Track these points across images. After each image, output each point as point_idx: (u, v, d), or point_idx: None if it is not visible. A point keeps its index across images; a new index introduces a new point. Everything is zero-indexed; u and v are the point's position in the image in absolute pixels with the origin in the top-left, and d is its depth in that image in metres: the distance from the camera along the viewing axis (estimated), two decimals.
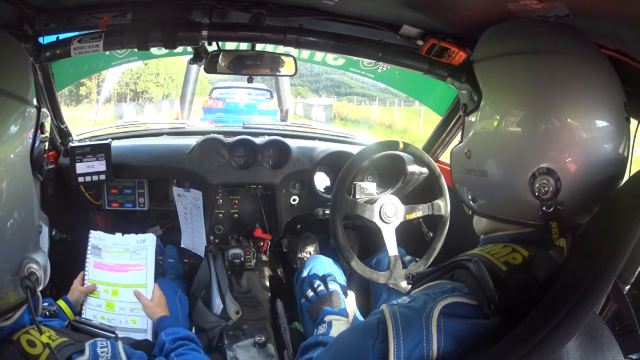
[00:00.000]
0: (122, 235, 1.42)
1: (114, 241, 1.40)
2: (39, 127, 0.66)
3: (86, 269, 1.32)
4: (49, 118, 0.70)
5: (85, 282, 1.29)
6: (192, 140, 1.68)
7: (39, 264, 0.64)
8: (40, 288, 0.65)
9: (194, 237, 1.64)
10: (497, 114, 0.68)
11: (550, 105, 0.64)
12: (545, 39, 0.69)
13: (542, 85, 0.65)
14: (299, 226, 1.89)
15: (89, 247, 1.36)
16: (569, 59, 0.66)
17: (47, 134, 0.69)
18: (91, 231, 1.41)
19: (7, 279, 0.60)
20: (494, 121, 0.68)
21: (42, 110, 0.67)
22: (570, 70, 0.65)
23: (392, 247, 1.34)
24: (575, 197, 0.64)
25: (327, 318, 1.15)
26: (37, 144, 0.65)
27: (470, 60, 0.75)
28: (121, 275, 1.33)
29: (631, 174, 0.64)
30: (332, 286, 1.29)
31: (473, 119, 0.73)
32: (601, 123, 0.64)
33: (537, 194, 0.64)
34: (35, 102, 0.66)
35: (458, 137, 0.80)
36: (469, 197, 0.75)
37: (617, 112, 0.65)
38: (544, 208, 0.64)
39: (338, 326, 1.11)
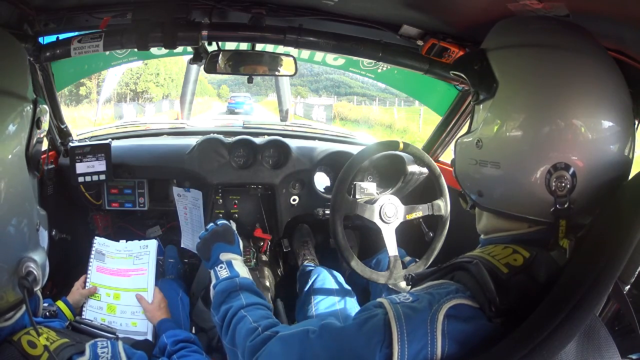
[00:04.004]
0: (126, 242, 1.43)
1: (117, 248, 1.40)
2: (35, 123, 0.65)
3: (89, 272, 1.32)
4: (47, 115, 0.70)
5: (87, 284, 1.29)
6: (192, 140, 1.69)
7: (37, 263, 0.64)
8: (39, 287, 0.65)
9: (194, 237, 1.64)
10: (514, 105, 0.66)
11: (572, 100, 0.63)
12: (566, 36, 0.68)
13: (564, 80, 0.64)
14: (298, 226, 1.90)
15: (92, 252, 1.36)
16: (592, 58, 0.65)
17: (44, 126, 0.67)
18: (96, 237, 1.42)
19: (5, 278, 0.60)
20: (511, 111, 0.67)
21: (40, 106, 0.66)
22: (592, 68, 0.65)
23: (392, 247, 1.34)
24: (586, 195, 0.64)
25: (223, 257, 1.01)
26: (33, 141, 0.64)
27: (483, 48, 0.73)
28: (123, 279, 1.33)
29: (632, 175, 0.64)
30: (221, 221, 1.16)
31: (486, 109, 0.71)
32: (616, 122, 0.64)
33: (553, 189, 0.63)
34: (31, 98, 0.65)
35: (461, 134, 0.79)
36: (475, 190, 0.73)
37: (628, 113, 0.66)
38: (557, 205, 0.63)
39: (239, 267, 0.99)
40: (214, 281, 0.98)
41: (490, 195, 0.71)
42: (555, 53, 0.66)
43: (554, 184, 0.63)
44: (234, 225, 1.20)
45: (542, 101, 0.64)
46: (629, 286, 0.59)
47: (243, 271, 0.98)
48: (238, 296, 0.89)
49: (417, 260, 1.42)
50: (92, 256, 1.35)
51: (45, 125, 0.68)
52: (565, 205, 0.63)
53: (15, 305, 0.65)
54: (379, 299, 0.65)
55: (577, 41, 0.67)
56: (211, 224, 1.13)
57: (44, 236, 0.68)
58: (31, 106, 0.64)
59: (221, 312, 0.88)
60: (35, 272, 0.63)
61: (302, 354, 0.66)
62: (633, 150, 0.67)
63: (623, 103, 0.65)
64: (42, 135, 0.68)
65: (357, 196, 1.68)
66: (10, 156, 0.59)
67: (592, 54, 0.66)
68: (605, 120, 0.63)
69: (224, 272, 0.97)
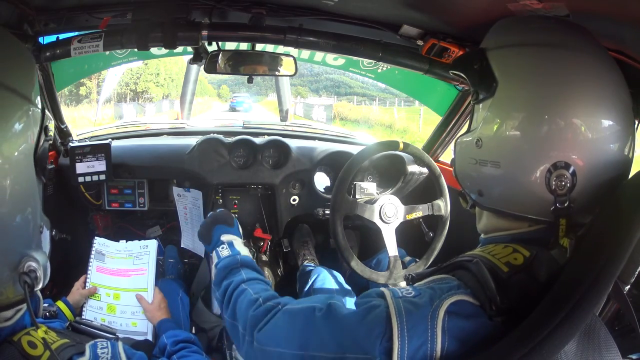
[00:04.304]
0: (126, 242, 1.43)
1: (117, 248, 1.40)
2: (43, 129, 0.66)
3: (89, 272, 1.32)
4: (53, 121, 0.71)
5: (87, 284, 1.29)
6: (192, 140, 1.69)
7: (39, 263, 0.64)
8: (39, 287, 0.65)
9: (194, 237, 1.64)
10: (514, 104, 0.67)
11: (573, 99, 0.63)
12: (567, 35, 0.68)
13: (564, 79, 0.64)
14: (298, 226, 1.90)
15: (92, 252, 1.36)
16: (592, 57, 0.65)
17: (51, 134, 0.69)
18: (96, 237, 1.42)
19: (6, 274, 0.60)
20: (510, 110, 0.67)
21: (46, 112, 0.67)
22: (592, 67, 0.65)
23: (392, 247, 1.34)
24: (586, 194, 0.64)
25: (224, 238, 1.03)
26: (41, 144, 0.65)
27: (482, 48, 0.73)
28: (123, 279, 1.33)
29: (632, 175, 0.64)
30: (220, 207, 1.17)
31: (486, 108, 0.71)
32: (616, 121, 0.64)
33: (553, 188, 0.63)
34: (39, 103, 0.66)
35: (460, 134, 0.79)
36: (475, 189, 0.73)
37: (628, 112, 0.66)
38: (557, 204, 0.63)
39: (240, 246, 1.01)
40: (215, 260, 0.99)
41: (490, 194, 0.71)
42: (555, 52, 0.66)
43: (554, 182, 0.63)
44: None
45: (542, 100, 0.64)
46: (629, 286, 0.59)
47: (244, 250, 0.99)
48: (239, 272, 0.90)
49: (417, 260, 1.42)
50: (92, 256, 1.35)
51: (51, 129, 0.69)
52: (565, 204, 0.63)
53: (16, 303, 0.65)
54: (381, 288, 0.65)
55: (577, 40, 0.67)
56: (211, 212, 1.14)
57: (46, 240, 0.69)
58: (39, 110, 0.66)
59: (222, 287, 0.89)
60: (38, 272, 0.63)
61: (307, 330, 0.67)
62: (633, 149, 0.67)
63: (623, 102, 0.65)
64: (49, 142, 0.69)
65: (357, 196, 1.69)
66: (16, 153, 0.60)
67: (592, 53, 0.66)
68: (605, 120, 0.63)
69: (225, 252, 0.98)
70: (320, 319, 0.67)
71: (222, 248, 0.99)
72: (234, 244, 1.00)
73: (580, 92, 0.63)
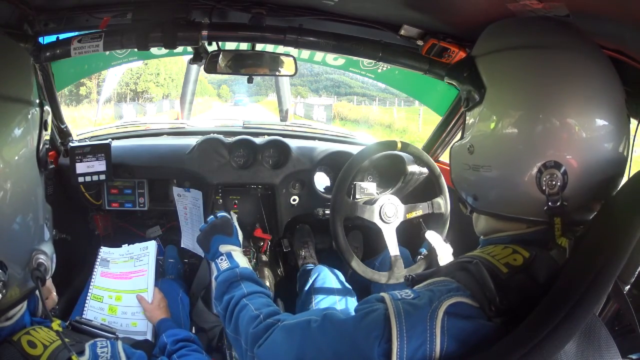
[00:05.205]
0: (128, 245, 1.43)
1: (120, 252, 1.41)
2: (43, 125, 0.67)
3: (92, 277, 1.33)
4: (50, 115, 0.72)
5: (91, 288, 1.30)
6: (192, 140, 1.69)
7: (47, 255, 0.66)
8: (49, 276, 0.67)
9: (194, 237, 1.64)
10: (502, 108, 0.67)
11: (559, 99, 0.63)
12: (551, 35, 0.68)
13: (550, 79, 0.64)
14: (298, 226, 1.90)
15: (97, 260, 1.37)
16: (578, 55, 0.66)
17: (49, 128, 0.70)
18: (102, 247, 1.42)
19: (18, 272, 0.62)
20: (499, 115, 0.68)
21: (45, 108, 0.68)
22: (579, 66, 0.65)
23: (392, 247, 1.34)
24: (580, 193, 0.64)
25: (223, 249, 1.03)
26: (42, 142, 0.67)
27: (471, 55, 0.74)
28: (125, 282, 1.33)
29: (631, 174, 0.64)
30: (221, 214, 1.16)
31: (476, 114, 0.72)
32: (607, 120, 0.64)
33: (544, 188, 0.64)
34: (37, 101, 0.67)
35: (458, 137, 0.80)
36: (470, 194, 0.74)
37: (620, 110, 0.66)
38: (549, 203, 0.64)
39: (239, 258, 1.01)
40: (215, 273, 1.00)
41: (485, 198, 0.72)
42: (536, 53, 0.66)
43: (544, 182, 0.64)
44: (235, 217, 1.21)
45: (526, 102, 0.65)
46: (629, 286, 0.59)
47: (243, 261, 1.00)
48: (239, 286, 0.91)
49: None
50: (97, 263, 1.36)
51: (49, 126, 0.70)
52: (558, 204, 0.63)
53: (23, 298, 0.66)
54: (381, 293, 0.65)
55: (562, 40, 0.67)
56: (211, 216, 1.15)
57: (49, 229, 0.71)
58: (38, 109, 0.66)
59: (224, 302, 0.90)
60: (46, 264, 0.66)
61: (303, 343, 0.67)
62: (628, 147, 0.67)
63: (614, 99, 0.65)
64: (48, 136, 0.70)
65: (357, 196, 1.68)
66: (16, 157, 0.61)
67: (578, 50, 0.66)
68: (594, 118, 0.63)
69: (224, 264, 0.99)
70: (316, 329, 0.67)
71: (221, 260, 1.00)
72: (233, 255, 1.01)
73: (564, 91, 0.64)
